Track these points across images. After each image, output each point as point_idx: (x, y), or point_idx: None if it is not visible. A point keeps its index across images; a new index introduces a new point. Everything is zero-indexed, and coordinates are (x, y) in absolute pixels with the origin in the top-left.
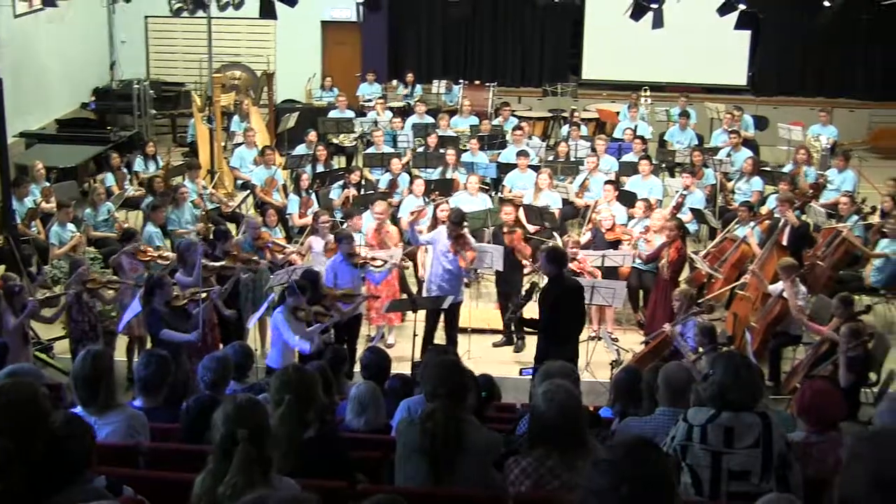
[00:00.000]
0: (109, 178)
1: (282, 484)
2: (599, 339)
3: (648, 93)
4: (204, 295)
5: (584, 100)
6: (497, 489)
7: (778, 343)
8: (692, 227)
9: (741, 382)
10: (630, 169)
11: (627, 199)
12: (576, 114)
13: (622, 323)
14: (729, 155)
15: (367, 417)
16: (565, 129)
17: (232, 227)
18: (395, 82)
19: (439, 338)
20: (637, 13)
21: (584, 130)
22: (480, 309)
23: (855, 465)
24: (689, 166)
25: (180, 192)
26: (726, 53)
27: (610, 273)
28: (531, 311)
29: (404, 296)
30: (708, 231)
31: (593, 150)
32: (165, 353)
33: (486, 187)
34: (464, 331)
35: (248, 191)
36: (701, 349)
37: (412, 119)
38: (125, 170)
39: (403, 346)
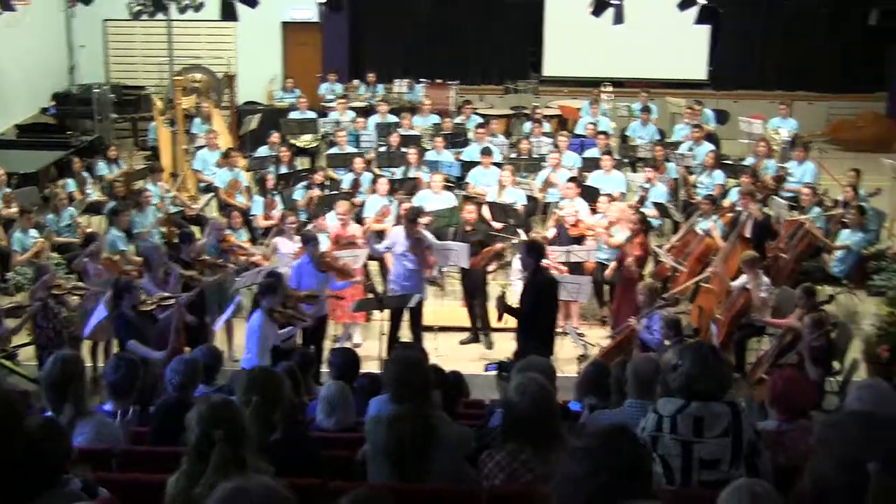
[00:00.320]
0: (71, 184)
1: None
2: (566, 334)
3: (610, 88)
4: (172, 301)
5: (546, 97)
6: (471, 483)
7: (743, 335)
8: (656, 222)
9: (709, 372)
10: (593, 164)
11: (590, 194)
12: (538, 111)
13: (588, 318)
14: (691, 149)
15: (338, 417)
16: (527, 126)
17: (196, 229)
18: (356, 82)
19: (406, 337)
20: (598, 9)
21: (546, 127)
22: (447, 307)
23: (822, 450)
24: (652, 161)
25: (144, 195)
26: (686, 48)
27: (575, 268)
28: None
29: (370, 295)
30: (672, 225)
31: (555, 146)
32: (135, 357)
33: (451, 185)
34: (430, 329)
35: (212, 193)
36: (667, 342)
37: (374, 119)
38: (87, 174)
39: (371, 345)
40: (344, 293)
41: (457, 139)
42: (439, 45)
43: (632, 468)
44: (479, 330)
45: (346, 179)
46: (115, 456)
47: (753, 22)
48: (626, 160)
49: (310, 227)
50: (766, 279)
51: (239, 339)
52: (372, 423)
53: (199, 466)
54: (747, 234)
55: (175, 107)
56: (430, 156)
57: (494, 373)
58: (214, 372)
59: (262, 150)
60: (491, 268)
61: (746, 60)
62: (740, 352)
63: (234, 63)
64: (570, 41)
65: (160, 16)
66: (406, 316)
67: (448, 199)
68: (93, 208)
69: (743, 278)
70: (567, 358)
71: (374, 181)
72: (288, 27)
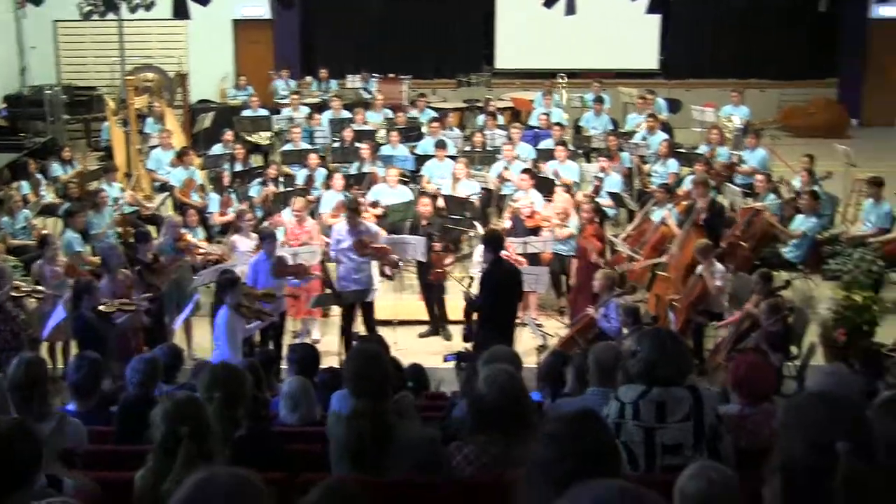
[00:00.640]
0: (25, 186)
1: None
2: (525, 325)
3: (566, 80)
4: (133, 307)
5: (499, 89)
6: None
7: (700, 322)
8: (611, 212)
9: (668, 357)
10: (547, 156)
11: (545, 185)
12: (491, 103)
13: (546, 309)
14: (644, 138)
15: (301, 412)
16: (481, 118)
17: (152, 229)
18: (308, 79)
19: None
20: (549, 1)
21: (500, 119)
22: (405, 300)
23: (789, 432)
24: (605, 151)
25: (100, 196)
26: (638, 38)
27: (532, 259)
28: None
29: (328, 290)
30: (627, 214)
31: (509, 138)
32: (97, 356)
33: (406, 179)
34: (389, 323)
35: (167, 193)
36: (626, 330)
37: (328, 114)
38: (41, 176)
39: (330, 341)
40: (300, 290)
41: (411, 133)
42: (391, 40)
43: (599, 452)
44: (437, 323)
45: (300, 175)
46: (78, 455)
47: (704, 10)
48: (580, 151)
49: (266, 223)
50: (720, 266)
51: (198, 338)
52: (332, 418)
53: (165, 463)
54: (701, 221)
55: (128, 107)
56: (385, 150)
57: (453, 363)
58: (175, 370)
59: (217, 149)
60: (448, 260)
61: (697, 49)
62: (698, 338)
63: (186, 62)
64: (522, 33)
65: (111, 16)
66: (359, 311)
67: (404, 194)
68: (48, 210)
69: (700, 266)
70: (526, 349)
71: (328, 177)
72: (239, 25)
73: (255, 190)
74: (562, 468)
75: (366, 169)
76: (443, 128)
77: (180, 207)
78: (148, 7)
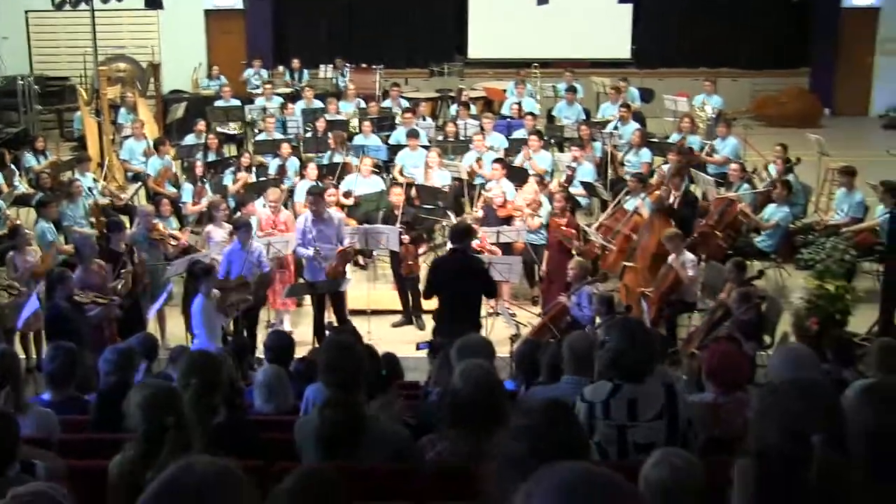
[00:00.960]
0: None
1: None
2: (498, 314)
3: (538, 69)
4: (105, 302)
5: (471, 79)
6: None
7: (673, 311)
8: (584, 201)
9: (637, 347)
10: (520, 145)
11: (518, 175)
12: (464, 93)
13: (519, 298)
14: (616, 128)
15: (276, 402)
16: (453, 108)
17: (125, 219)
18: (281, 68)
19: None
20: None
21: (472, 109)
22: (378, 290)
23: (762, 421)
24: (578, 140)
25: (74, 186)
26: (610, 28)
27: (505, 249)
28: None
29: (301, 280)
30: (600, 204)
31: (482, 128)
32: (72, 346)
33: (378, 169)
34: (363, 312)
35: (140, 183)
36: (599, 319)
37: (300, 104)
38: (13, 167)
39: (305, 331)
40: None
41: (383, 123)
42: (363, 29)
43: (568, 444)
44: (411, 313)
45: (272, 165)
46: (52, 445)
47: (674, 0)
48: (552, 140)
49: (239, 213)
50: (690, 256)
51: (172, 328)
52: (300, 422)
53: (148, 450)
54: (664, 209)
55: (100, 97)
56: (357, 140)
57: (426, 351)
58: (150, 361)
59: (189, 139)
60: (421, 250)
61: (669, 39)
62: (671, 328)
63: (159, 52)
64: (494, 23)
65: (83, 5)
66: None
67: (376, 183)
68: (21, 200)
69: (671, 257)
70: (500, 339)
71: (302, 167)
72: (211, 15)
73: (228, 179)
74: (536, 462)
75: (336, 159)
76: (415, 118)
77: (153, 197)
78: None
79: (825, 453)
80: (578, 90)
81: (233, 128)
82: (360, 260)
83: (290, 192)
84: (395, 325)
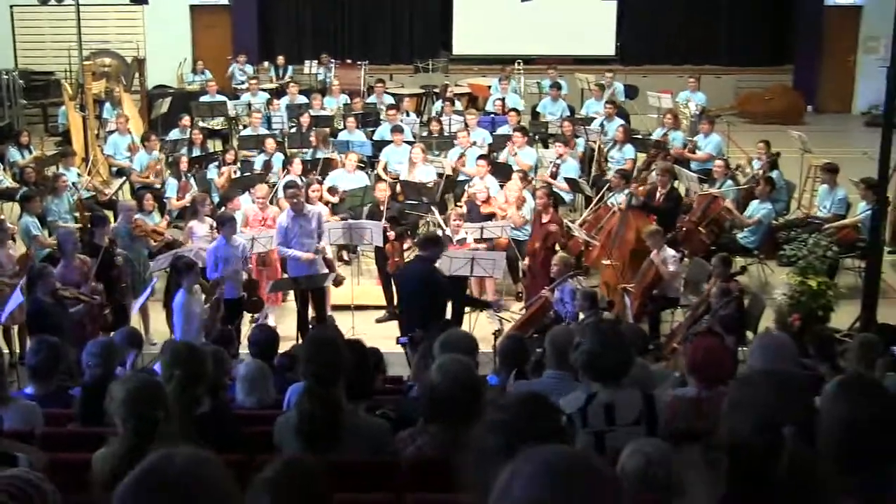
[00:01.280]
0: None
1: None
2: (490, 308)
3: (523, 66)
4: (87, 300)
5: (456, 75)
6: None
7: (656, 307)
8: (568, 197)
9: (610, 349)
10: (504, 141)
11: (502, 171)
12: (448, 89)
13: (502, 293)
14: (602, 125)
15: (259, 395)
16: (438, 104)
17: (109, 214)
18: (266, 64)
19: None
20: None
21: (457, 105)
22: (363, 285)
23: (736, 413)
24: (562, 137)
25: (59, 180)
26: (594, 24)
27: (488, 244)
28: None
29: (286, 275)
30: (583, 200)
31: (466, 125)
32: (55, 340)
33: (363, 165)
34: (347, 307)
35: (124, 178)
36: (582, 314)
37: (285, 100)
38: None
39: (288, 326)
40: (259, 273)
41: (368, 118)
42: (348, 25)
43: (545, 437)
44: (395, 308)
45: (257, 160)
46: (35, 438)
47: None
48: (537, 137)
49: (224, 209)
50: (671, 252)
51: (155, 323)
52: (279, 424)
53: (135, 443)
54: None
55: (85, 91)
56: (342, 136)
57: (405, 344)
58: (138, 350)
59: (174, 134)
60: (406, 245)
61: (653, 36)
62: (654, 323)
63: (143, 47)
64: (479, 19)
65: (68, 0)
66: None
67: (361, 179)
68: (5, 194)
69: (652, 253)
70: (483, 334)
71: (287, 162)
72: (196, 10)
73: (212, 174)
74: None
75: (319, 155)
76: (400, 114)
77: (137, 192)
78: None
79: (796, 446)
80: (563, 87)
81: (216, 123)
82: (345, 255)
83: (275, 187)
84: (379, 321)
